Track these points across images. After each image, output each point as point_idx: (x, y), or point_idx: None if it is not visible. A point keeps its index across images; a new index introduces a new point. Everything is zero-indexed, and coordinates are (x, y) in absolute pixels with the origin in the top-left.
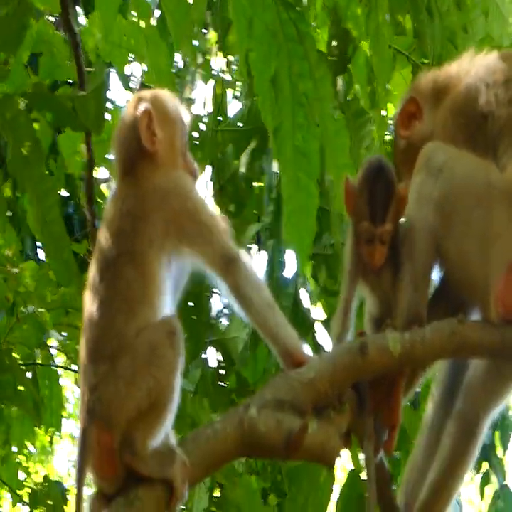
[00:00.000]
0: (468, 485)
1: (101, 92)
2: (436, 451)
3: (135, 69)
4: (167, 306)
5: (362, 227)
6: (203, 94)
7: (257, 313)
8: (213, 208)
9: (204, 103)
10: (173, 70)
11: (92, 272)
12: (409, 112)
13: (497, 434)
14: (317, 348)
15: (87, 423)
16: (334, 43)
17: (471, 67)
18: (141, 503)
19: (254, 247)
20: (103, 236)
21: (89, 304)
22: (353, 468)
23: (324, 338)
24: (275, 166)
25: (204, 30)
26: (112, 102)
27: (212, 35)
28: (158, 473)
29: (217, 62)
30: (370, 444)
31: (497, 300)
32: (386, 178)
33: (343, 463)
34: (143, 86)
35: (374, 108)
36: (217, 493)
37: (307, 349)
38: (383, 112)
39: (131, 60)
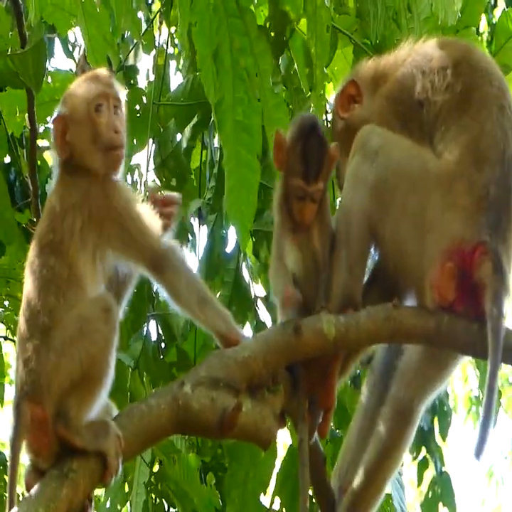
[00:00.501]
0: (410, 466)
1: (40, 49)
2: (371, 434)
3: (79, 36)
4: (100, 290)
5: (294, 184)
6: (145, 65)
7: (190, 308)
8: (140, 203)
9: (147, 74)
10: (118, 40)
11: (31, 253)
12: (349, 94)
13: (436, 419)
14: (259, 324)
15: (21, 397)
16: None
17: (409, 55)
18: (75, 475)
19: (196, 221)
20: (40, 223)
21: (26, 283)
22: (292, 444)
23: (265, 314)
24: (217, 141)
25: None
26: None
27: (156, 6)
28: (92, 445)
29: (162, 32)
30: (304, 426)
31: (432, 287)
32: (319, 137)
33: (285, 439)
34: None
35: (312, 91)
36: (156, 469)
37: (247, 327)
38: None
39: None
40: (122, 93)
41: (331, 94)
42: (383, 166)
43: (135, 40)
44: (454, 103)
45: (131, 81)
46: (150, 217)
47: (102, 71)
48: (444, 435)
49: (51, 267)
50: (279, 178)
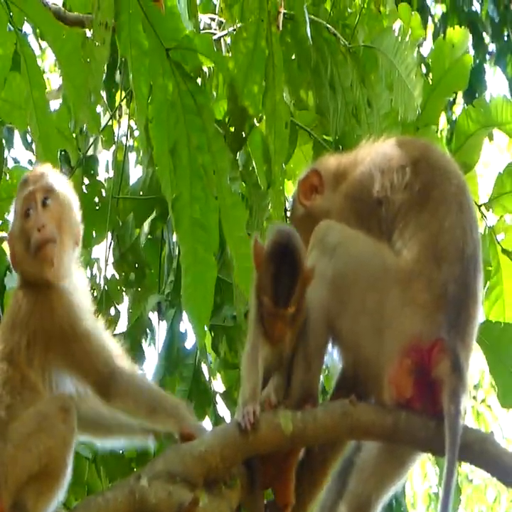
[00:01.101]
0: None
1: None
2: None
3: None
4: (60, 389)
5: (264, 302)
6: (105, 156)
7: (140, 420)
8: (91, 319)
9: (107, 166)
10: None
11: None
12: (312, 183)
13: None
14: (218, 419)
15: None
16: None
17: (369, 154)
18: None
19: (155, 316)
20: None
21: None
22: None
23: (224, 410)
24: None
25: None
26: (16, 161)
27: (117, 99)
28: None
29: (121, 125)
30: None
31: (390, 383)
32: (293, 258)
33: None
34: None
35: (270, 188)
36: None
37: (207, 422)
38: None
39: None
40: (56, 180)
41: (291, 191)
42: (341, 262)
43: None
44: (413, 201)
45: (92, 171)
46: (100, 335)
47: (34, 170)
48: None
49: (5, 371)
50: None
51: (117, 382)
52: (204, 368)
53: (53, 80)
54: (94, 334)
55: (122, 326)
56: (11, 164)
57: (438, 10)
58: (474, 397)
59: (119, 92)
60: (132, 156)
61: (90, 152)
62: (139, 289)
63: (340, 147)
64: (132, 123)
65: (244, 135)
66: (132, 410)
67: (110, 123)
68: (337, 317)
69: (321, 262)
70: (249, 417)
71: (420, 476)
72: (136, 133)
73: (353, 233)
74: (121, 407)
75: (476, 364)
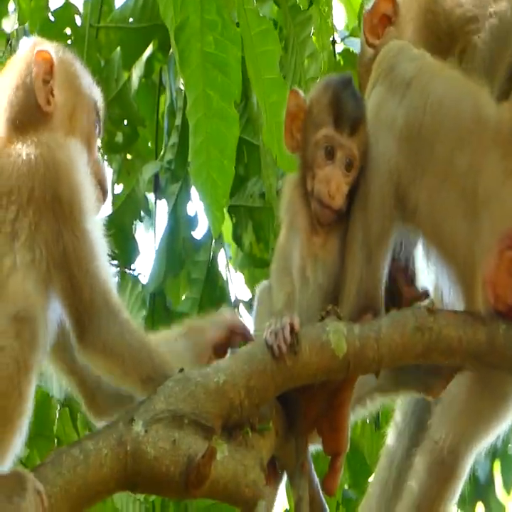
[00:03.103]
0: None
1: None
2: (400, 492)
3: None
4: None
5: (319, 137)
6: None
7: (126, 385)
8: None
9: None
10: None
11: None
12: (383, 12)
13: (496, 465)
14: None
15: None
16: None
17: None
18: None
19: (151, 194)
20: None
21: None
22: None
23: (251, 324)
24: (180, 81)
25: None
26: None
27: None
28: (4, 507)
29: None
30: (302, 479)
31: (486, 283)
32: (356, 93)
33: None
34: None
35: (313, 5)
36: None
37: None
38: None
39: None
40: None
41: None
42: (418, 105)
43: None
44: None
45: None
46: (101, 251)
47: None
48: (509, 487)
49: None
50: (296, 165)
51: (102, 325)
52: (221, 265)
53: None
54: (94, 242)
55: (105, 207)
56: None
57: None
58: None
59: None
60: None
61: None
62: (129, 156)
63: None
64: None
65: None
66: (116, 373)
67: None
68: (410, 186)
69: (388, 102)
70: (285, 334)
71: None
72: None
73: (436, 63)
74: (100, 365)
75: None
